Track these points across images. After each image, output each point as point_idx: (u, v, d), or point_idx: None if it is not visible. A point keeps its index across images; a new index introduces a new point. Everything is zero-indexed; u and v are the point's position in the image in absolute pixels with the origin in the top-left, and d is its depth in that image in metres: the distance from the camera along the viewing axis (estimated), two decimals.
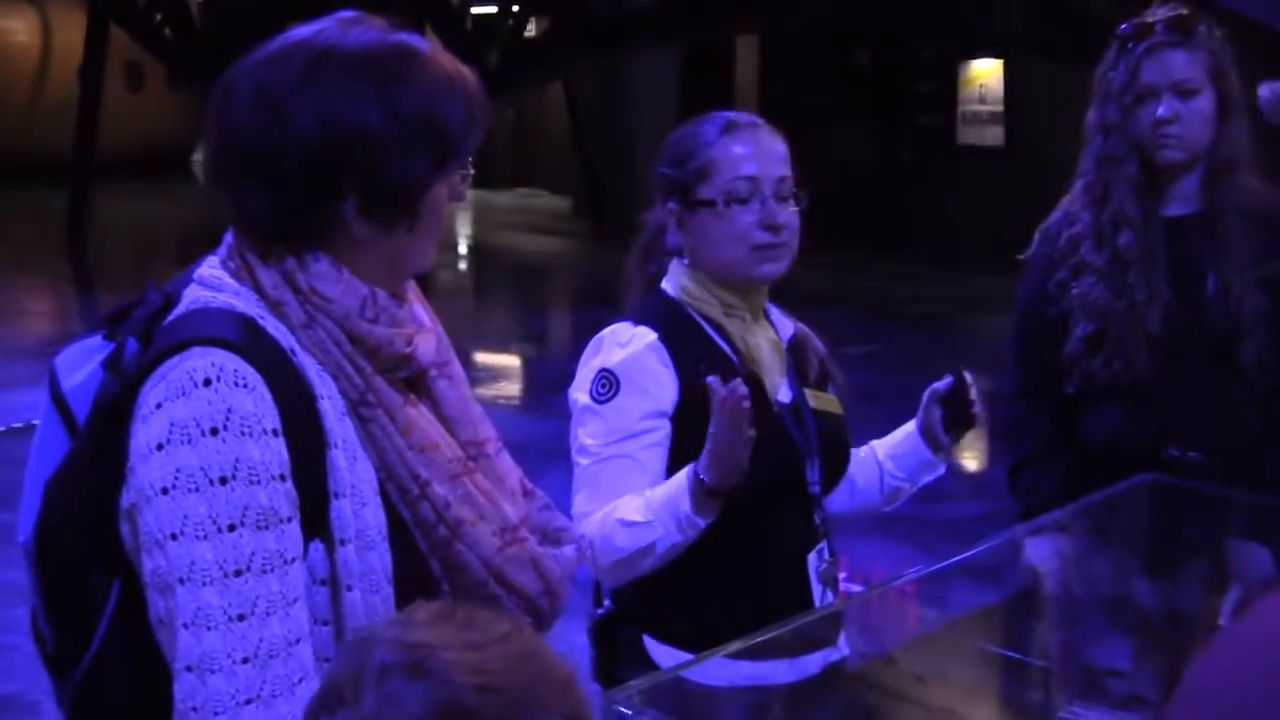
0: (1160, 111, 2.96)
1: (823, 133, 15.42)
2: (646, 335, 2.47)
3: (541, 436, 7.47)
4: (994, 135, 16.50)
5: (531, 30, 18.96)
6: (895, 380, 10.28)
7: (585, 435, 2.47)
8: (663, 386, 2.44)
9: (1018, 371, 3.24)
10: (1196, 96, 2.96)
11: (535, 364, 11.75)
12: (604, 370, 2.45)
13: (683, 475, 2.34)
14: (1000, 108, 16.40)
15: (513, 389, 10.55)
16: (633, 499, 2.38)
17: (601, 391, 2.44)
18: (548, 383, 10.31)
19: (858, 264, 15.64)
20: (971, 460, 8.91)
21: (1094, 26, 10.94)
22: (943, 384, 2.61)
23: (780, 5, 15.18)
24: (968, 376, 2.61)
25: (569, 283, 16.85)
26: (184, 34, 17.27)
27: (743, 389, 2.25)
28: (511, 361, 11.66)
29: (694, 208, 2.49)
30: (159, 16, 17.36)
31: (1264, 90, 3.80)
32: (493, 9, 19.06)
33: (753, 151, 2.49)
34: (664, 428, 2.44)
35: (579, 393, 2.49)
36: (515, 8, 18.25)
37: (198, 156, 24.75)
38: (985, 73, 16.59)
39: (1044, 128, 15.24)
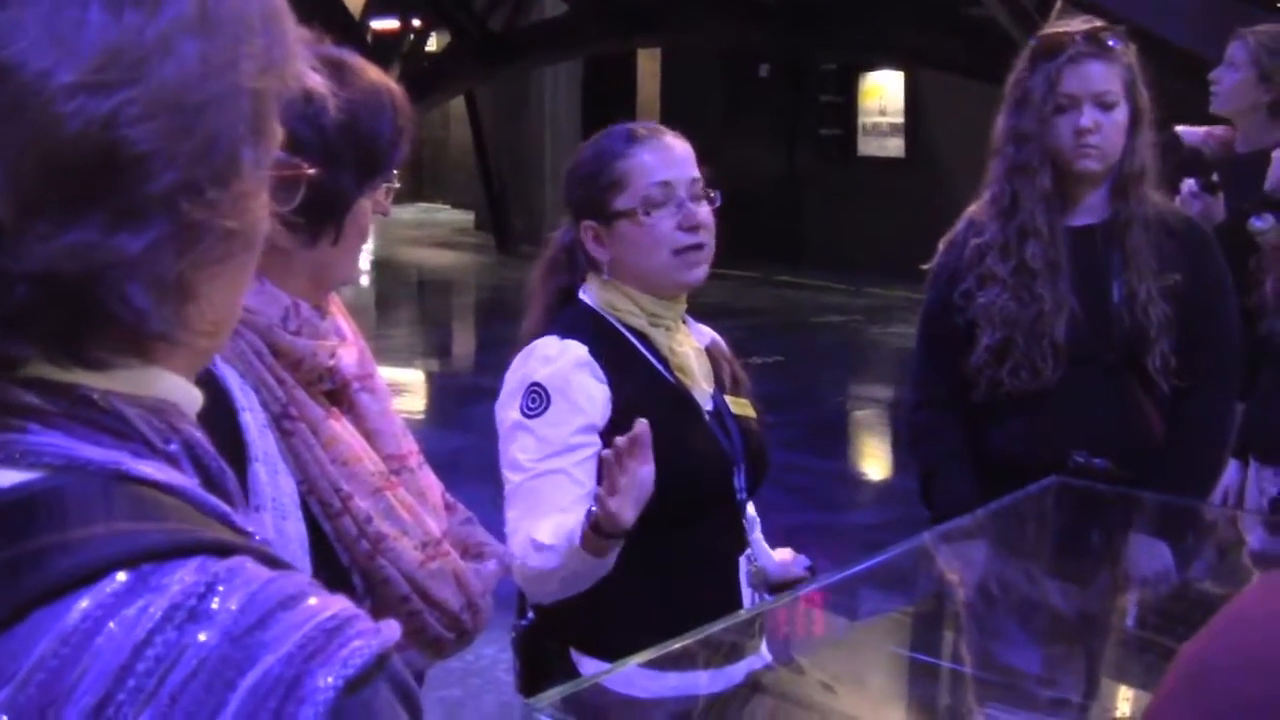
0: (1083, 121, 3.00)
1: (725, 145, 15.50)
2: (576, 348, 2.44)
3: (447, 451, 7.44)
4: (894, 146, 16.67)
5: (433, 44, 18.91)
6: (798, 389, 10.39)
7: (516, 451, 2.42)
8: (594, 400, 2.41)
9: (922, 380, 3.28)
10: (1115, 109, 3.02)
11: (439, 379, 11.71)
12: (534, 385, 2.42)
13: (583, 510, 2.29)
14: (900, 119, 16.57)
15: (417, 404, 10.49)
16: (553, 519, 2.34)
17: (531, 406, 2.41)
18: (452, 397, 10.29)
19: (760, 275, 15.73)
20: (874, 469, 8.99)
21: (993, 40, 11.09)
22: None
23: (681, 19, 15.24)
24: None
25: (472, 297, 16.81)
26: None
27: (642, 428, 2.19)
28: (415, 376, 11.59)
29: (612, 220, 2.49)
30: None
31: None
32: (394, 23, 18.97)
33: (662, 158, 2.50)
34: (596, 443, 2.40)
35: (508, 409, 2.46)
36: (416, 22, 18.19)
37: None
38: (885, 85, 16.75)
39: (943, 139, 15.46)
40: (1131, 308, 3.01)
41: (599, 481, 2.38)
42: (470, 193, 22.01)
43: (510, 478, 2.44)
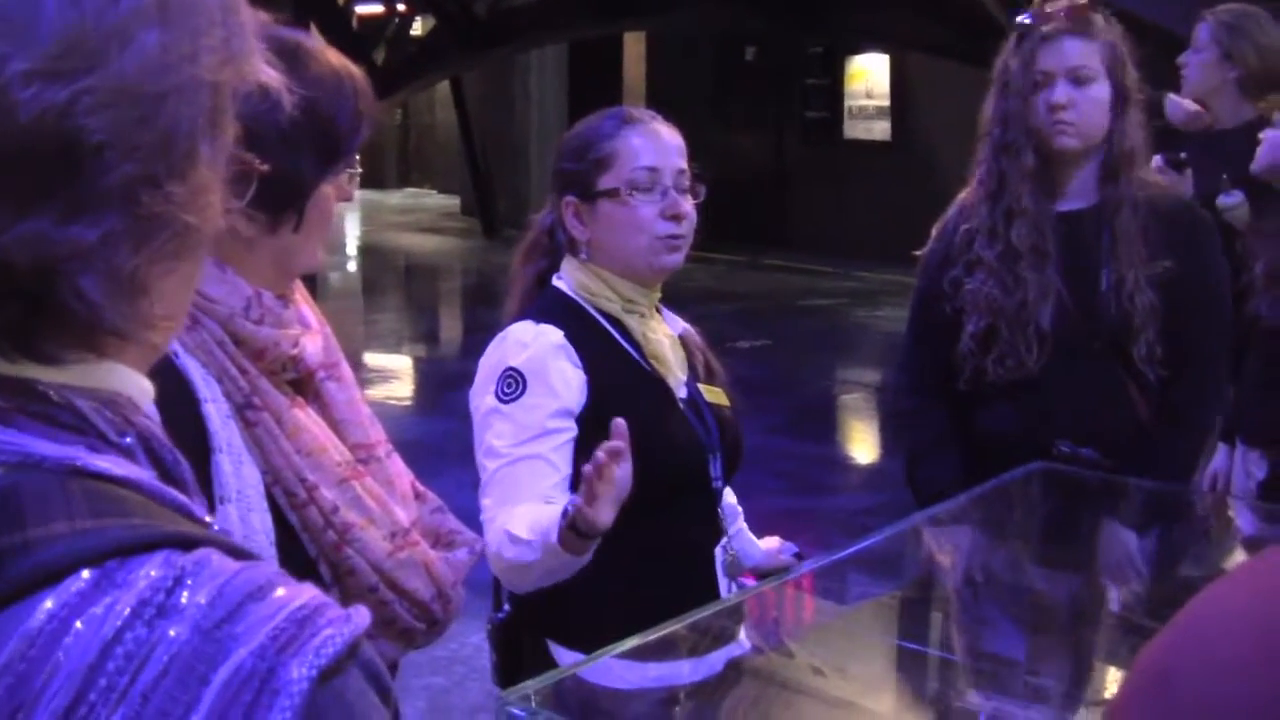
0: (1055, 96, 2.97)
1: (711, 129, 15.49)
2: (552, 333, 2.42)
3: (433, 436, 7.44)
4: (880, 130, 16.65)
5: (417, 29, 18.86)
6: (785, 373, 10.39)
7: (492, 437, 2.39)
8: (570, 386, 2.39)
9: (910, 366, 3.25)
10: (1092, 84, 2.97)
11: (426, 364, 11.69)
12: (509, 370, 2.39)
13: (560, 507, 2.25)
14: (886, 103, 16.55)
15: (404, 389, 10.47)
16: (527, 510, 2.30)
17: (507, 391, 2.38)
18: (439, 382, 10.27)
19: (746, 258, 15.73)
20: (861, 453, 8.98)
21: (979, 23, 11.06)
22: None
23: (666, 2, 15.21)
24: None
25: (458, 282, 16.81)
26: None
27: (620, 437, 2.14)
28: (402, 361, 11.58)
29: (595, 199, 2.48)
30: None
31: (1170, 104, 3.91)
32: (378, 8, 18.91)
33: (652, 143, 2.49)
34: (572, 428, 2.38)
35: (483, 395, 2.43)
36: (401, 6, 18.14)
37: None
38: (871, 68, 16.73)
39: (930, 122, 15.45)
40: (1119, 295, 2.97)
41: (575, 468, 2.37)
42: (456, 177, 21.99)
43: (486, 465, 2.41)
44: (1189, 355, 3.02)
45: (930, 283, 3.15)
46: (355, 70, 1.71)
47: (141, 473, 0.79)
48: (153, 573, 0.71)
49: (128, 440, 0.81)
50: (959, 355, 3.05)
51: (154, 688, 0.68)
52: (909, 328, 3.28)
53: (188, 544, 0.74)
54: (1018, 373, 2.99)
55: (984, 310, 3.01)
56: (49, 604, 0.70)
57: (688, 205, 2.49)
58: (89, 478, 0.75)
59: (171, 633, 0.70)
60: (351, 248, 18.55)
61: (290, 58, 1.62)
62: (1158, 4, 7.62)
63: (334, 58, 1.70)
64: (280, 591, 0.73)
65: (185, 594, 0.71)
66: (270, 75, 0.87)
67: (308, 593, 0.74)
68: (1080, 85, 2.97)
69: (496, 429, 2.39)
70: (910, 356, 3.27)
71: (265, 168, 1.04)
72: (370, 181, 24.92)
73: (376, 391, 9.51)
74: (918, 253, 3.25)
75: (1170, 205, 3.08)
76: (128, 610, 0.70)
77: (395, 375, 10.81)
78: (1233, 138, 3.96)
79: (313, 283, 1.85)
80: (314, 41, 1.70)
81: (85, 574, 0.71)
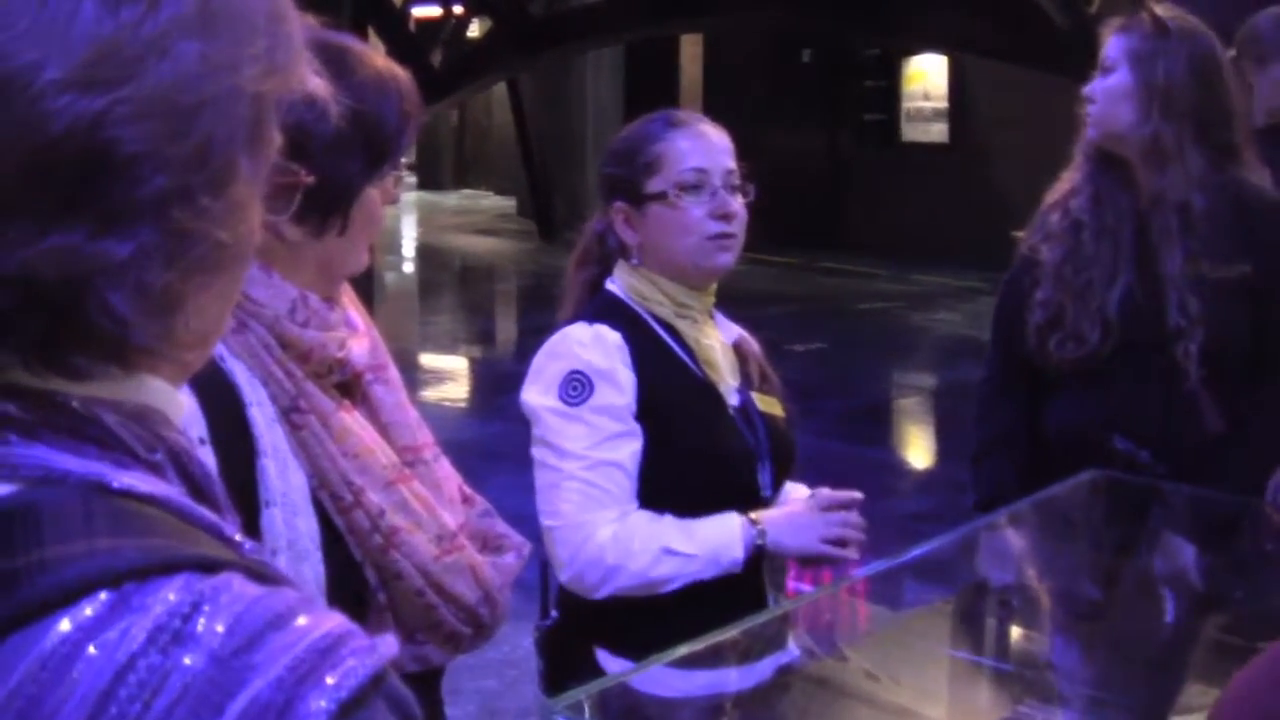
0: (1083, 88, 2.99)
1: (767, 131, 15.46)
2: (609, 334, 2.41)
3: (487, 439, 7.46)
4: (938, 132, 16.57)
5: (474, 31, 18.93)
6: (840, 377, 10.34)
7: (564, 440, 2.37)
8: (626, 387, 2.38)
9: (992, 357, 3.22)
10: (1110, 74, 2.95)
11: (481, 365, 11.72)
12: (574, 372, 2.38)
13: (734, 523, 2.35)
14: (944, 104, 16.47)
15: (458, 391, 10.49)
16: (666, 524, 2.34)
17: (573, 394, 2.36)
18: (493, 384, 10.29)
19: (802, 261, 15.69)
20: (916, 458, 8.93)
21: (1036, 24, 10.97)
22: None
23: (723, 4, 15.19)
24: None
25: (514, 283, 16.86)
26: None
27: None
28: (457, 363, 11.61)
29: (644, 203, 2.47)
30: None
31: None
32: (435, 10, 19.00)
33: (699, 144, 2.47)
34: (638, 429, 2.38)
35: (544, 398, 2.40)
36: (457, 8, 18.21)
37: None
38: (928, 70, 16.66)
39: (988, 124, 15.35)
40: (1176, 295, 2.89)
41: (643, 469, 2.38)
42: (512, 179, 22.06)
43: (561, 467, 2.37)
44: (1273, 368, 2.94)
45: (1019, 262, 3.11)
46: (401, 73, 1.71)
47: (170, 490, 0.77)
48: (171, 597, 0.70)
49: (157, 456, 0.78)
50: (1028, 332, 3.00)
51: (167, 717, 0.66)
52: (993, 315, 3.26)
53: (210, 567, 0.72)
54: (1079, 352, 2.92)
55: (1053, 283, 2.97)
56: (64, 626, 0.68)
57: (737, 204, 2.48)
58: (114, 495, 0.73)
59: (187, 660, 0.68)
60: (408, 249, 18.64)
61: (336, 62, 1.62)
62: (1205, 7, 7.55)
63: (380, 61, 1.69)
64: (302, 620, 0.71)
65: (203, 621, 0.69)
66: (317, 84, 0.85)
67: (331, 621, 0.72)
68: (1102, 76, 2.97)
69: (568, 431, 2.37)
70: (991, 347, 3.24)
71: (310, 179, 1.03)
72: (427, 183, 25.07)
73: (431, 393, 9.53)
74: (1018, 234, 3.21)
75: (1264, 205, 2.96)
76: (143, 636, 0.68)
77: (450, 377, 10.83)
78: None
79: (369, 283, 1.84)
80: (360, 45, 1.69)
81: (102, 596, 0.69)
